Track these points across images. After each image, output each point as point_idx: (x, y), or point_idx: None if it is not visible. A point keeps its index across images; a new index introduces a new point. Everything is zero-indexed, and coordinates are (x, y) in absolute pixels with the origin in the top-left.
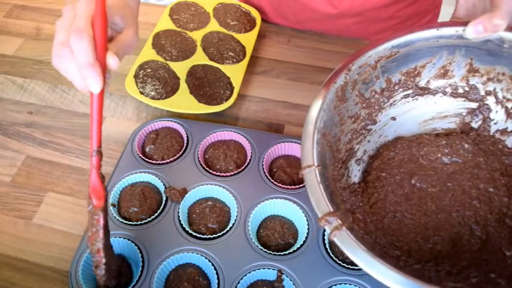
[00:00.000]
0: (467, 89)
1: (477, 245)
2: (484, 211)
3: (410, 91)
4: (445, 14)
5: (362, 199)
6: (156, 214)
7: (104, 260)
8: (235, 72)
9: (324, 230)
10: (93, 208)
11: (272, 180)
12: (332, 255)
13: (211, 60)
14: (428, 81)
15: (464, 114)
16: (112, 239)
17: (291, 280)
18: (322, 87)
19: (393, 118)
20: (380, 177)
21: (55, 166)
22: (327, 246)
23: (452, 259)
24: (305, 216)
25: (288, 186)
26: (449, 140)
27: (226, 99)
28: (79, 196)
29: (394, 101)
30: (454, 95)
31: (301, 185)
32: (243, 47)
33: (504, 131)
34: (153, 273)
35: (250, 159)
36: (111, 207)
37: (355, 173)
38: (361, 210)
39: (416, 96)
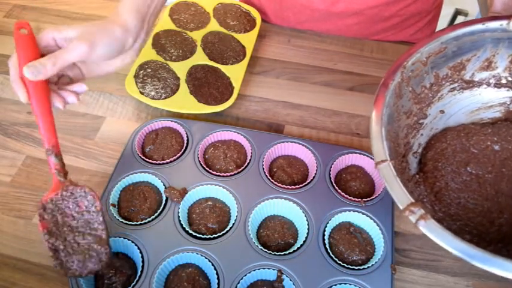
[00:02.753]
0: (510, 78)
1: None
2: None
3: (456, 84)
4: (445, 15)
5: (426, 189)
6: (156, 214)
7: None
8: (235, 72)
9: (324, 230)
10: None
11: (272, 180)
12: (332, 255)
13: (211, 60)
14: (473, 74)
15: (508, 102)
16: (112, 239)
17: (291, 280)
18: (381, 85)
19: (442, 111)
20: (437, 167)
21: None
22: (327, 246)
23: None
24: (305, 216)
25: (288, 186)
26: (495, 128)
27: (226, 99)
28: None
29: (441, 95)
30: (498, 85)
31: (301, 185)
32: (243, 47)
33: None
34: (153, 273)
35: (250, 159)
36: (111, 207)
37: (414, 165)
38: (428, 200)
39: (462, 89)
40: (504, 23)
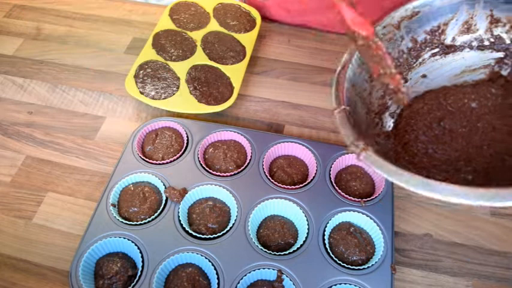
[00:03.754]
0: (492, 40)
1: (509, 174)
2: None
3: (437, 49)
4: None
5: (394, 142)
6: (156, 214)
7: (402, 80)
8: (235, 72)
9: (324, 230)
10: (365, 40)
11: (272, 180)
12: (332, 255)
13: (211, 60)
14: (453, 38)
15: (492, 64)
16: (112, 239)
17: (291, 280)
18: (352, 46)
19: (424, 76)
20: (410, 123)
21: (55, 166)
22: (327, 246)
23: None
24: (305, 216)
25: (288, 186)
26: (475, 88)
27: (226, 99)
28: (79, 196)
29: (422, 60)
30: (481, 47)
31: (301, 185)
32: (243, 47)
33: None
34: (153, 273)
35: (250, 159)
36: (111, 207)
37: (389, 124)
38: (394, 151)
39: (444, 54)
40: None
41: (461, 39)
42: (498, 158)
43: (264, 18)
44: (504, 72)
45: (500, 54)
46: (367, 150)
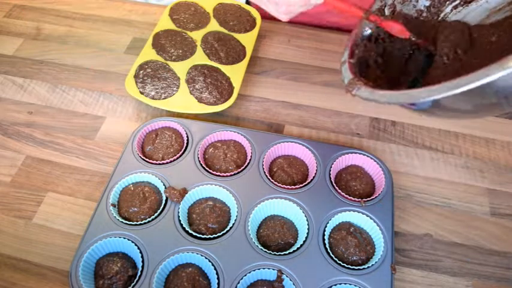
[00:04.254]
0: None
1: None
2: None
3: (458, 1)
4: None
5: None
6: (156, 214)
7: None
8: (235, 72)
9: (324, 230)
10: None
11: (272, 180)
12: (332, 255)
13: (211, 60)
14: None
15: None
16: (112, 239)
17: (291, 280)
18: (360, 12)
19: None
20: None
21: (55, 166)
22: (327, 246)
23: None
24: (305, 216)
25: (288, 186)
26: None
27: (226, 99)
28: (79, 196)
29: (445, 15)
30: None
31: (301, 185)
32: (243, 47)
33: None
34: (153, 273)
35: (250, 159)
36: (111, 207)
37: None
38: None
39: (466, 3)
40: None
41: None
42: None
43: (265, 17)
44: None
45: None
46: (360, 84)
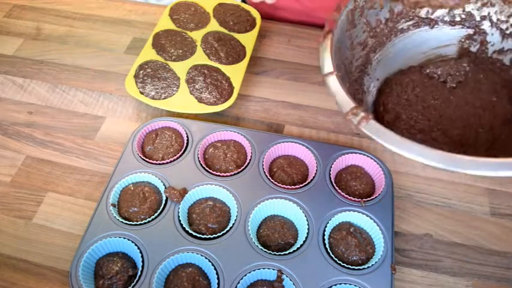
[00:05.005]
0: (463, 16)
1: (484, 146)
2: (488, 118)
3: (412, 22)
4: None
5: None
6: (156, 214)
7: None
8: (235, 72)
9: (324, 230)
10: None
11: (272, 180)
12: (332, 255)
13: (211, 60)
14: (427, 11)
15: (462, 40)
16: (112, 239)
17: (291, 280)
18: (335, 10)
19: (398, 47)
20: (386, 92)
21: (55, 166)
22: (327, 246)
23: None
24: (305, 216)
25: (288, 186)
26: (447, 63)
27: (226, 99)
28: (79, 196)
29: (398, 32)
30: (452, 23)
31: (301, 185)
32: (243, 47)
33: (501, 51)
34: (153, 273)
35: (250, 159)
36: (111, 207)
37: (370, 87)
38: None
39: (418, 27)
40: None
41: (435, 14)
42: (472, 130)
43: (265, 17)
44: (473, 49)
45: (470, 31)
46: (368, 120)
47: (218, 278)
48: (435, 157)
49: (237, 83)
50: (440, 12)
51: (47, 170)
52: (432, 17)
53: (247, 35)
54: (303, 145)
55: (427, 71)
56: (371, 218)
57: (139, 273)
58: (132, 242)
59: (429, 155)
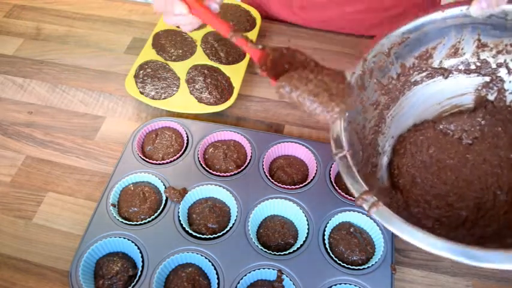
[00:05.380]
0: (478, 64)
1: (503, 208)
2: (507, 177)
3: (425, 73)
4: None
5: (388, 179)
6: (156, 214)
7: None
8: (235, 72)
9: (324, 230)
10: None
11: (272, 180)
12: (332, 255)
13: (211, 60)
14: (441, 62)
15: (479, 88)
16: (112, 239)
17: (291, 280)
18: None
19: (412, 101)
20: (400, 153)
21: (55, 166)
22: (327, 246)
23: (481, 223)
24: (305, 216)
25: (288, 186)
26: (462, 117)
27: (226, 99)
28: (79, 196)
29: (411, 85)
30: (467, 71)
31: (301, 185)
32: None
33: None
34: (153, 273)
35: (250, 159)
36: (111, 207)
37: (384, 160)
38: (389, 190)
39: (432, 78)
40: (464, 8)
41: (448, 63)
42: (490, 192)
43: (265, 17)
44: (491, 97)
45: (487, 79)
46: (378, 206)
47: (218, 278)
48: (446, 248)
49: (237, 83)
50: (453, 62)
51: (47, 170)
52: (446, 66)
53: (247, 34)
54: (303, 145)
55: (441, 126)
56: (371, 218)
57: (139, 273)
58: (132, 242)
59: (440, 245)
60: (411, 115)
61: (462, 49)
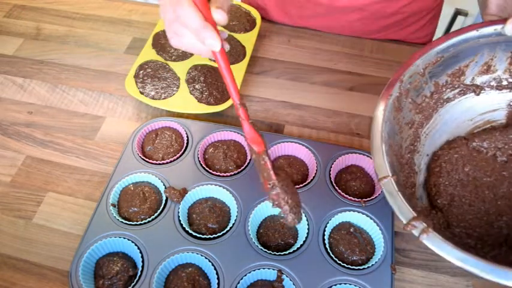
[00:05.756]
0: (511, 80)
1: None
2: None
3: (457, 90)
4: (445, 15)
5: (427, 198)
6: (156, 214)
7: (285, 198)
8: (235, 72)
9: (324, 230)
10: (257, 154)
11: None
12: (332, 255)
13: (211, 60)
14: (473, 78)
15: (511, 104)
16: (112, 239)
17: (291, 280)
18: (380, 100)
19: (445, 118)
20: (436, 172)
21: (55, 166)
22: (327, 246)
23: None
24: (305, 216)
25: None
26: (495, 133)
27: (226, 99)
28: (79, 196)
29: (444, 102)
30: (499, 87)
31: (301, 185)
32: (243, 47)
33: None
34: (153, 273)
35: (250, 159)
36: (111, 207)
37: (420, 178)
38: (429, 210)
39: (464, 94)
40: (499, 27)
41: (480, 80)
42: None
43: (265, 17)
44: None
45: None
46: (428, 232)
47: (218, 278)
48: (499, 273)
49: (237, 83)
50: (485, 78)
51: (47, 170)
52: (478, 83)
53: (247, 35)
54: (303, 145)
55: (474, 144)
56: (371, 218)
57: (139, 273)
58: (132, 242)
59: (494, 270)
60: (444, 132)
61: (494, 66)
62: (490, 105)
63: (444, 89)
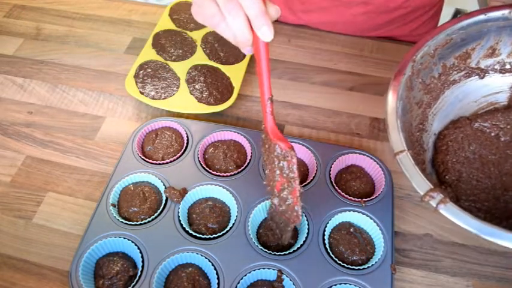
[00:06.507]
0: None
1: None
2: None
3: (463, 72)
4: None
5: (435, 174)
6: (156, 214)
7: (299, 199)
8: (235, 72)
9: (324, 230)
10: (284, 150)
11: None
12: (332, 255)
13: (211, 60)
14: (478, 62)
15: None
16: (112, 239)
17: (291, 280)
18: (393, 79)
19: (451, 99)
20: (443, 150)
21: (55, 166)
22: (327, 246)
23: None
24: (305, 216)
25: None
26: (497, 114)
27: (226, 99)
28: (79, 196)
29: (450, 84)
30: (503, 71)
31: (301, 185)
32: None
33: None
34: (153, 273)
35: (250, 159)
36: (111, 207)
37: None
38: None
39: (469, 77)
40: (506, 12)
41: (484, 63)
42: None
43: None
44: None
45: None
46: (446, 203)
47: (218, 278)
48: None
49: (237, 83)
50: (489, 62)
51: (47, 170)
52: (482, 66)
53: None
54: (303, 145)
55: (476, 125)
56: (371, 218)
57: (139, 273)
58: (132, 242)
59: (510, 237)
60: (450, 113)
61: (499, 50)
62: (493, 87)
63: (451, 71)
